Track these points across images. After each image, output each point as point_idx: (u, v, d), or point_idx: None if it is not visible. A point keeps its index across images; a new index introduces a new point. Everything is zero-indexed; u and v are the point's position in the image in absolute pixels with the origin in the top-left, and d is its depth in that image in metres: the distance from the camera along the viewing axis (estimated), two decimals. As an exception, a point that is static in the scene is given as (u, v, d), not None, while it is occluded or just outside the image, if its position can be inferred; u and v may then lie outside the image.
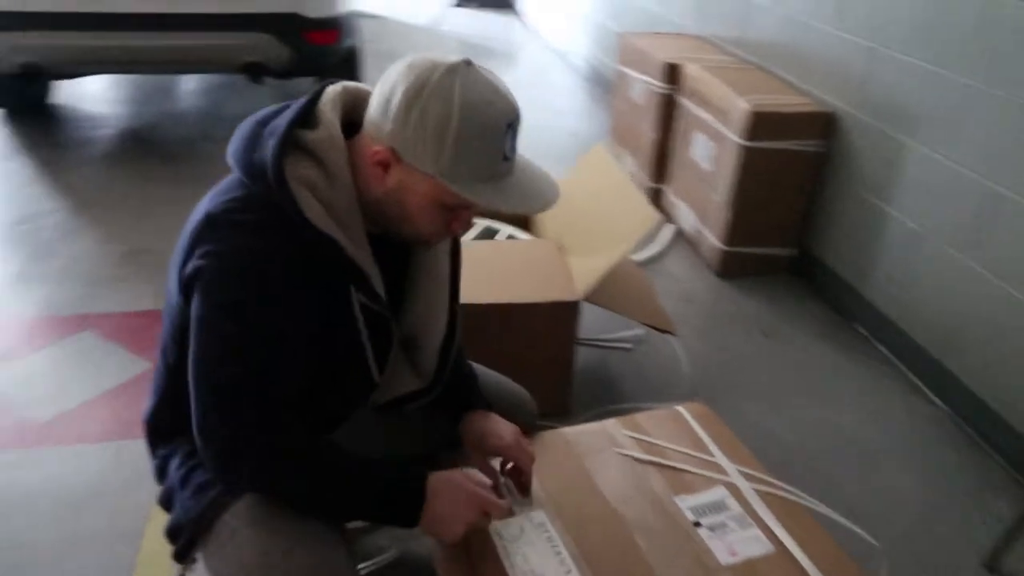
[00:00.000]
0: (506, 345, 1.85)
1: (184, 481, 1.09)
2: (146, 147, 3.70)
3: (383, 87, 0.97)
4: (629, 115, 3.44)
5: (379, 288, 1.06)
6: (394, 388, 1.20)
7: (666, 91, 3.05)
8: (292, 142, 0.97)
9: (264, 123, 1.01)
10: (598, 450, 1.44)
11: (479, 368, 1.46)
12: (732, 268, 2.75)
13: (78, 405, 1.98)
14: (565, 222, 2.18)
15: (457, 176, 0.96)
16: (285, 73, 3.64)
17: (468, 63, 0.96)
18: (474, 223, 2.24)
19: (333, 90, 1.04)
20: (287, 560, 0.99)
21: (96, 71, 3.88)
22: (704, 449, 1.46)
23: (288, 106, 1.03)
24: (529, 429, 1.48)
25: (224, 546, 1.03)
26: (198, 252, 0.96)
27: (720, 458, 1.43)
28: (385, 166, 0.98)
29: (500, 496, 1.18)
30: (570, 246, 2.06)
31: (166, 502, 1.14)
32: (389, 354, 1.14)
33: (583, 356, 2.30)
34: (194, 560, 1.09)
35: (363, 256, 1.02)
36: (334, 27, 3.64)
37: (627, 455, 1.42)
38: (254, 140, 0.99)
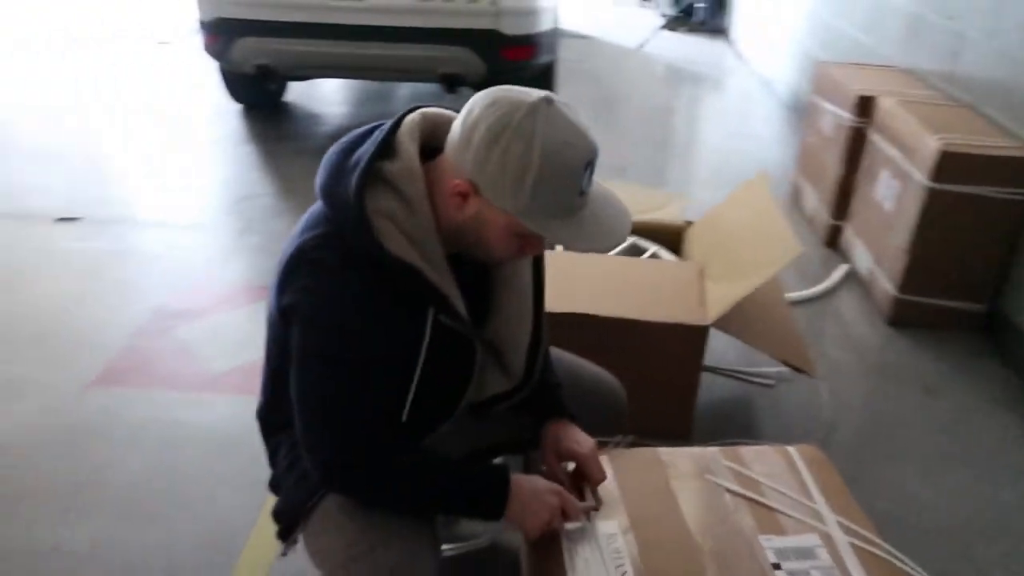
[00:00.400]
0: (630, 361, 1.85)
1: (289, 468, 1.21)
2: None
3: (466, 120, 1.00)
4: (817, 147, 3.28)
5: (460, 307, 1.11)
6: (486, 389, 1.26)
7: (856, 124, 2.88)
8: (373, 174, 1.03)
9: (349, 152, 1.07)
10: (690, 474, 1.41)
11: (574, 358, 1.50)
12: (904, 317, 2.54)
13: (250, 362, 2.24)
14: (711, 246, 2.14)
15: (533, 213, 1.00)
16: (480, 85, 3.85)
17: (549, 101, 0.98)
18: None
19: (412, 119, 1.08)
20: (372, 554, 1.08)
21: (317, 75, 4.33)
22: (806, 493, 1.38)
23: (375, 129, 1.08)
24: (617, 422, 1.51)
25: (319, 533, 1.15)
26: (292, 287, 1.06)
27: (821, 505, 1.35)
28: (464, 196, 1.02)
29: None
30: (712, 271, 2.02)
31: (275, 487, 1.27)
32: (473, 368, 1.20)
33: (718, 385, 2.25)
34: (295, 542, 1.21)
35: (444, 280, 1.07)
36: (531, 44, 3.82)
37: (719, 484, 1.39)
38: (339, 174, 1.05)
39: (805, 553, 1.26)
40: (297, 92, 4.83)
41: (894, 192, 2.57)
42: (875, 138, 2.78)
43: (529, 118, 0.96)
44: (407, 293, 1.06)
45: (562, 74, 5.45)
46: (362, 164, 1.02)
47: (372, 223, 1.01)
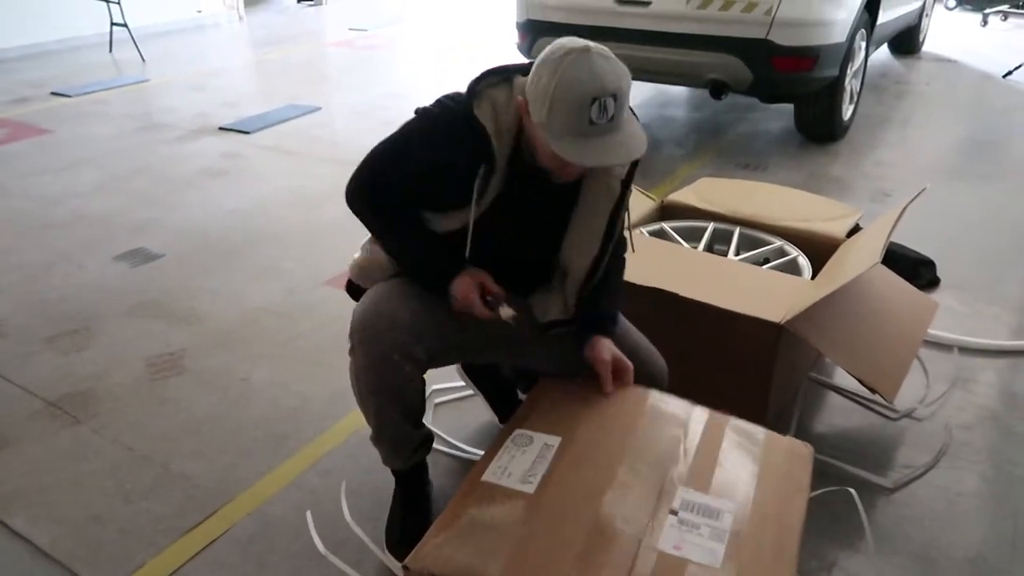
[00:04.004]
0: (706, 348, 1.95)
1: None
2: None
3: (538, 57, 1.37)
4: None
5: (493, 189, 1.47)
6: (547, 314, 1.62)
7: None
8: (507, 79, 1.44)
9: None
10: (664, 421, 1.53)
11: (631, 330, 1.72)
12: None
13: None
14: (833, 262, 2.09)
15: (552, 130, 1.33)
16: (747, 93, 3.90)
17: (586, 49, 1.31)
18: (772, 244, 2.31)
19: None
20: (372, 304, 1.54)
21: None
22: (750, 470, 1.42)
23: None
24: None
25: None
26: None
27: (752, 482, 1.39)
28: (524, 110, 1.39)
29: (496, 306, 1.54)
30: (819, 282, 1.99)
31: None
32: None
33: (828, 401, 2.18)
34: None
35: (502, 152, 1.44)
36: (808, 56, 3.74)
37: (680, 435, 1.49)
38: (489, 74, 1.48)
39: (712, 514, 1.34)
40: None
41: None
42: None
43: (562, 58, 1.30)
44: (473, 146, 1.42)
45: (894, 95, 5.12)
46: (504, 68, 1.47)
47: (478, 99, 1.42)
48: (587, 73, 1.29)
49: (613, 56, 1.34)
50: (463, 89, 1.47)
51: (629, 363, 1.58)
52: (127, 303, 2.73)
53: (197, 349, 2.46)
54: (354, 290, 1.69)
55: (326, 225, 3.36)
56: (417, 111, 1.51)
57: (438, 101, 1.50)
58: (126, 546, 1.73)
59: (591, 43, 1.33)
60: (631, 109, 1.42)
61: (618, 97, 1.31)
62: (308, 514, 1.79)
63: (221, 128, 4.66)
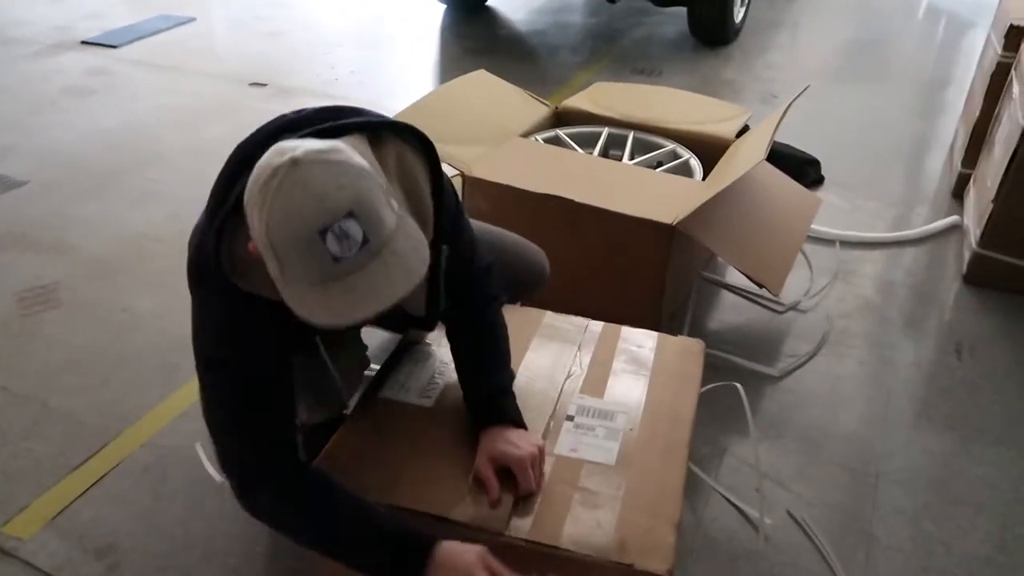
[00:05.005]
0: (600, 251, 1.96)
1: None
2: (515, 46, 4.35)
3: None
4: (975, 86, 2.90)
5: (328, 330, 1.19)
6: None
7: (1003, 59, 2.52)
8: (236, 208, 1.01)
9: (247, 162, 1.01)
10: (556, 336, 1.54)
11: (500, 231, 1.65)
12: (980, 275, 2.28)
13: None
14: (724, 161, 2.12)
15: (290, 282, 0.95)
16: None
17: (294, 163, 0.91)
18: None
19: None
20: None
21: None
22: (645, 370, 1.46)
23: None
24: (540, 284, 1.67)
25: None
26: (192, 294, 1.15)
27: (654, 385, 1.43)
28: (258, 258, 0.98)
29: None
30: (709, 183, 2.02)
31: None
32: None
33: (720, 298, 2.26)
34: None
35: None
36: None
37: (574, 347, 1.51)
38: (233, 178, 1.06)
39: (606, 416, 1.37)
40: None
41: (1005, 136, 2.27)
42: (1013, 75, 2.43)
43: (265, 187, 0.92)
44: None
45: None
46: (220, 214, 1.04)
47: (232, 267, 1.05)
48: (301, 198, 0.90)
49: (342, 153, 0.94)
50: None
51: (524, 458, 1.20)
52: (-11, 235, 2.52)
53: (72, 280, 2.30)
54: None
55: (209, 144, 3.16)
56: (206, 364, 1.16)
57: (197, 294, 1.13)
58: (7, 488, 1.64)
59: (300, 150, 0.92)
60: (410, 210, 1.11)
61: (359, 213, 0.91)
62: (198, 445, 1.73)
63: (84, 42, 4.27)
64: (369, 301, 0.95)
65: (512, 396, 1.32)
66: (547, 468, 1.25)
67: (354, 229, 0.92)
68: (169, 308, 2.17)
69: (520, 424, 1.28)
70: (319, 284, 0.94)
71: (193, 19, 4.70)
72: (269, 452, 1.14)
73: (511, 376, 1.35)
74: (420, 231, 1.03)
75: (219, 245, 1.03)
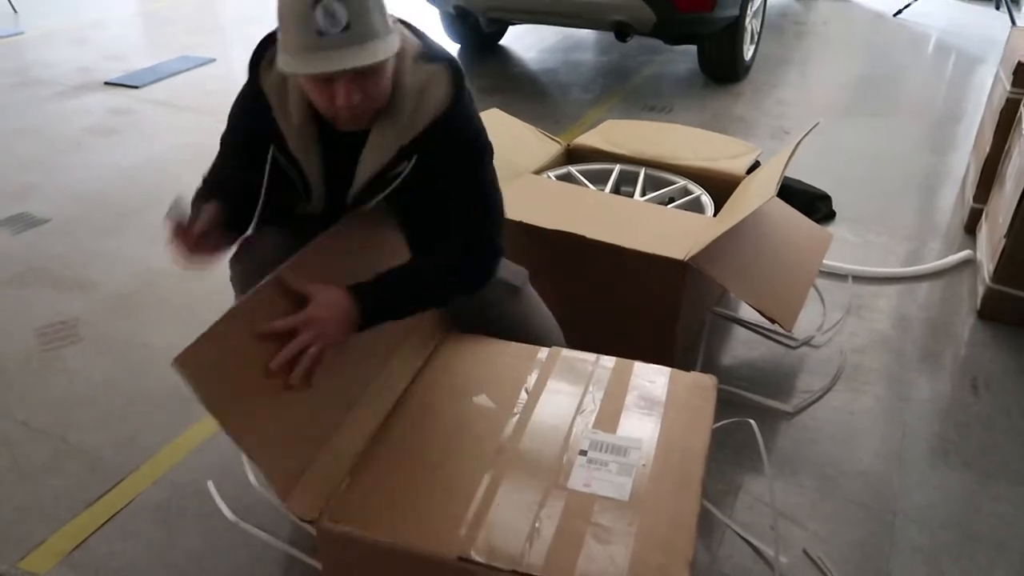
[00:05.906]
0: (612, 288, 1.98)
1: None
2: (527, 85, 4.40)
3: None
4: (985, 122, 2.91)
5: (296, 152, 1.40)
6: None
7: (1013, 94, 2.54)
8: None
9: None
10: (572, 372, 1.55)
11: (528, 315, 1.68)
12: (993, 309, 2.27)
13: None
14: (735, 197, 2.13)
15: (286, 49, 1.21)
16: (651, 34, 3.91)
17: None
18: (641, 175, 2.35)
19: None
20: None
21: (503, 17, 4.32)
22: (657, 408, 1.46)
23: None
24: None
25: None
26: None
27: (667, 421, 1.43)
28: None
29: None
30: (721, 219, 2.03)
31: None
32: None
33: (732, 334, 2.26)
34: None
35: (286, 120, 1.38)
36: (708, -3, 3.77)
37: (589, 385, 1.52)
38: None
39: (618, 450, 1.37)
40: (512, 38, 5.22)
41: (1016, 171, 2.28)
42: (1022, 111, 2.44)
43: None
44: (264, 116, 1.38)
45: (794, 35, 5.24)
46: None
47: (266, 64, 1.37)
48: None
49: None
50: None
51: (303, 321, 1.32)
52: (10, 272, 2.56)
53: (92, 316, 2.34)
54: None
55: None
56: None
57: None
58: (24, 523, 1.65)
59: None
60: (407, 24, 1.37)
61: (350, 2, 1.16)
62: (210, 483, 1.74)
63: (107, 83, 4.38)
64: (332, 61, 1.17)
65: (382, 280, 1.39)
66: (560, 503, 1.25)
67: (340, 12, 1.15)
68: (187, 343, 2.18)
69: (359, 294, 1.34)
70: (303, 52, 1.18)
71: (213, 60, 4.82)
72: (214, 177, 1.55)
73: (401, 274, 1.42)
74: (402, 45, 1.29)
75: (265, 46, 1.37)
